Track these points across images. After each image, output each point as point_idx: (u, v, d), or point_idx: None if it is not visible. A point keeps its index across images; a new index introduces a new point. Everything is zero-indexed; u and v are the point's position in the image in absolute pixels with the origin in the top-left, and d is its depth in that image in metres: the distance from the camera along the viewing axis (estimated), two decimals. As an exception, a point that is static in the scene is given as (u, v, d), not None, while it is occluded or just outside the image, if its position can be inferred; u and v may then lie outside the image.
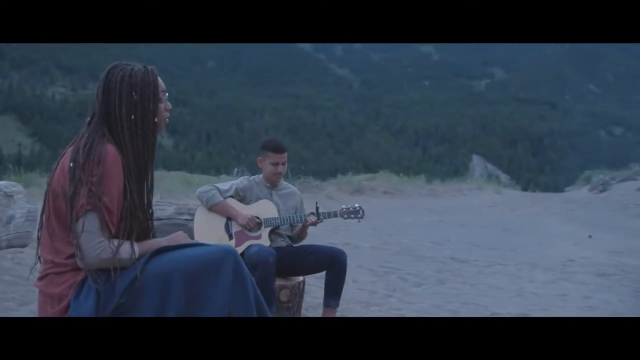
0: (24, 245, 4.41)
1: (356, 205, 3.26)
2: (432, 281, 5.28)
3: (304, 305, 3.34)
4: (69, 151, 1.80)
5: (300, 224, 3.17)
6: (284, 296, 2.93)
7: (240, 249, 3.01)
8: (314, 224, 3.12)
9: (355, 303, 4.00)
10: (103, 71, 1.86)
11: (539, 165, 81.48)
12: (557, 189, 27.34)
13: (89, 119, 1.83)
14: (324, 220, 3.14)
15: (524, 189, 23.69)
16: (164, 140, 76.55)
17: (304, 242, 3.25)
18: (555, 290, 5.25)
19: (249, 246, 2.98)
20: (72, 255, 1.71)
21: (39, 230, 1.84)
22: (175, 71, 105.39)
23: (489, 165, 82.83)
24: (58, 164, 1.81)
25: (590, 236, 9.72)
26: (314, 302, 3.85)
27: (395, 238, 7.75)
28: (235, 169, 21.51)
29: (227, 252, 1.75)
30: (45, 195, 1.82)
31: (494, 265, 6.39)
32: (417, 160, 77.94)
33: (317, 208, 3.18)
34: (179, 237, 1.91)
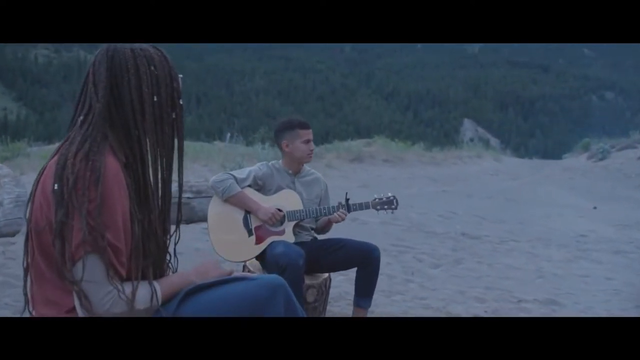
0: (14, 234, 4.06)
1: (389, 194, 2.93)
2: (448, 261, 5.08)
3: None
4: (51, 164, 1.30)
5: (327, 217, 2.83)
6: (310, 296, 2.64)
7: (261, 247, 2.70)
8: (342, 219, 2.78)
9: (377, 292, 3.76)
10: (102, 49, 1.36)
11: (529, 130, 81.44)
12: (553, 155, 27.31)
13: (81, 117, 1.32)
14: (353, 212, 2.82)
15: (516, 154, 23.59)
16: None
17: (330, 235, 2.94)
18: (575, 270, 5.09)
19: (274, 244, 2.64)
20: (75, 308, 1.27)
21: (24, 280, 1.37)
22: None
23: (480, 129, 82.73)
24: (37, 185, 1.32)
25: (595, 207, 9.62)
26: (333, 292, 3.60)
27: (403, 212, 7.48)
28: (228, 134, 21.00)
29: (276, 289, 1.39)
30: (27, 234, 1.34)
31: (507, 241, 6.22)
32: (408, 124, 77.53)
33: (347, 199, 2.81)
34: (209, 268, 1.50)
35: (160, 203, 1.42)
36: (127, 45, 1.36)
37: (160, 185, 1.42)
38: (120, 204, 1.27)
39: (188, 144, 15.07)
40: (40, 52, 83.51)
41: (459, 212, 8.11)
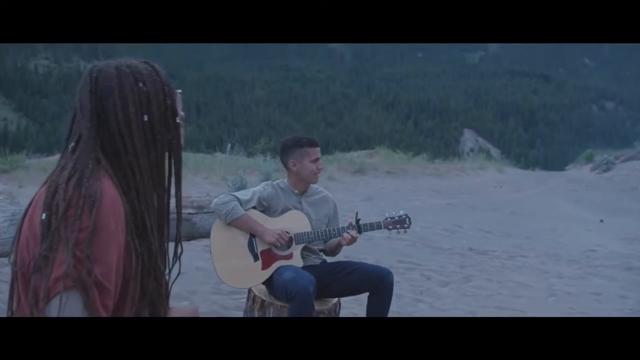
0: (8, 254, 3.92)
1: (401, 212, 2.79)
2: (457, 279, 4.94)
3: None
4: (40, 193, 1.16)
5: (336, 239, 2.67)
6: (320, 322, 2.49)
7: (268, 272, 2.55)
8: (353, 240, 2.63)
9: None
10: (86, 71, 1.23)
11: (530, 140, 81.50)
12: (554, 165, 27.23)
13: (72, 144, 1.18)
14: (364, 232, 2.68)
15: (516, 164, 23.54)
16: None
17: (337, 259, 2.79)
18: (587, 288, 4.96)
19: (281, 269, 2.50)
20: None
21: None
22: (161, 43, 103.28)
23: (480, 139, 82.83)
24: (24, 219, 1.16)
25: (602, 220, 9.48)
26: (342, 315, 3.46)
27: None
28: (229, 145, 20.92)
29: None
30: (12, 277, 1.18)
31: (516, 257, 6.09)
32: (409, 133, 77.59)
33: (357, 220, 2.67)
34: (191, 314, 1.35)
35: (158, 234, 1.22)
36: (112, 63, 1.21)
37: (157, 212, 1.22)
38: (116, 238, 1.09)
39: (189, 155, 15.00)
40: (40, 63, 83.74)
41: (465, 225, 8.00)
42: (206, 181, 10.89)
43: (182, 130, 1.27)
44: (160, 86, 1.22)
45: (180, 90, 1.28)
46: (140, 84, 1.19)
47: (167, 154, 1.23)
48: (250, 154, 16.34)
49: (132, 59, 1.24)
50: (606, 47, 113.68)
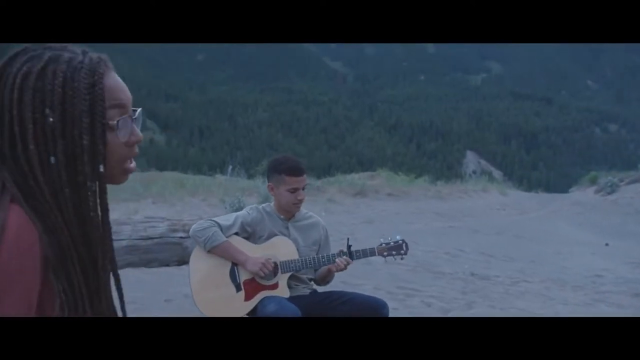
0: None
1: (397, 238, 2.62)
2: (459, 305, 4.74)
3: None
4: None
5: (327, 266, 2.49)
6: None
7: (252, 303, 2.38)
8: (344, 268, 2.45)
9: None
10: None
11: (532, 162, 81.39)
12: (556, 188, 27.04)
13: None
14: (356, 260, 2.52)
15: (519, 187, 23.40)
16: (157, 136, 75.54)
17: (331, 286, 2.63)
18: (595, 316, 4.75)
19: (265, 301, 2.33)
20: None
21: None
22: (164, 64, 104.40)
23: (482, 162, 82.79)
24: None
25: (607, 244, 9.29)
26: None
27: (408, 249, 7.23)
28: (230, 167, 20.83)
29: None
30: None
31: (519, 282, 5.89)
32: (411, 156, 77.64)
33: (348, 246, 2.50)
34: None
35: (84, 265, 0.89)
36: (28, 63, 0.87)
37: (85, 239, 0.89)
38: (22, 281, 0.81)
39: (188, 177, 14.90)
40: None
41: (467, 249, 7.81)
42: (204, 203, 10.74)
43: (123, 135, 0.92)
44: (84, 76, 0.87)
45: (140, 109, 0.99)
46: (49, 74, 0.86)
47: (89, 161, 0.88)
48: (250, 176, 16.23)
49: (56, 48, 0.90)
50: (609, 68, 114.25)
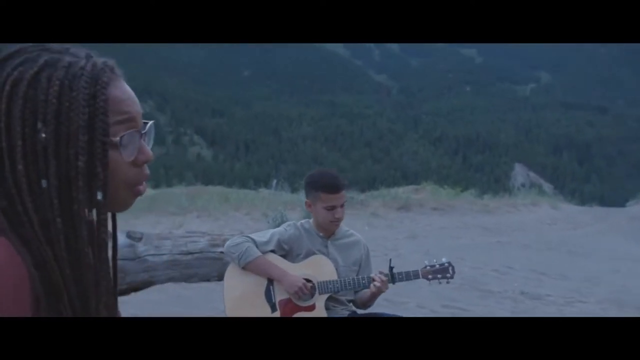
0: None
1: (443, 260, 2.47)
2: (508, 327, 4.49)
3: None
4: None
5: (368, 290, 2.33)
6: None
7: None
8: (382, 286, 2.30)
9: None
10: None
11: (585, 175, 78.40)
12: (611, 202, 25.85)
13: None
14: (398, 282, 2.38)
15: (570, 200, 22.53)
16: (204, 151, 77.26)
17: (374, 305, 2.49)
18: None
19: None
20: None
21: None
22: (211, 81, 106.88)
23: (532, 174, 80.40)
24: None
25: (670, 261, 8.73)
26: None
27: (454, 266, 7.00)
28: (274, 181, 20.97)
29: None
30: None
31: (573, 302, 5.58)
32: (457, 169, 76.24)
33: (390, 268, 2.36)
34: None
35: (75, 309, 0.76)
36: (20, 68, 0.74)
37: (73, 278, 0.75)
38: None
39: (233, 192, 15.03)
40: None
41: (516, 266, 7.49)
42: (247, 217, 10.79)
43: (129, 153, 0.79)
44: (84, 85, 0.74)
45: (151, 122, 0.85)
46: (45, 81, 0.73)
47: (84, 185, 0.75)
48: (294, 190, 16.26)
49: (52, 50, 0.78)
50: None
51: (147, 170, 0.83)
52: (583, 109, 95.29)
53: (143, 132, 0.82)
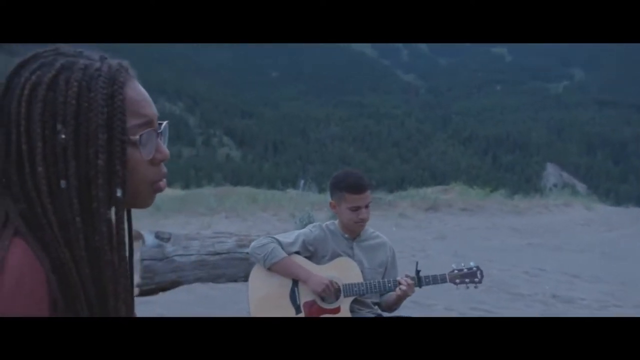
0: None
1: (471, 264, 2.42)
2: (539, 331, 4.40)
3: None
4: None
5: (394, 293, 2.30)
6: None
7: None
8: (408, 293, 2.28)
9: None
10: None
11: (621, 174, 76.27)
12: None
13: None
14: (424, 286, 2.35)
15: (605, 201, 21.96)
16: (232, 152, 78.10)
17: (401, 307, 2.46)
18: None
19: None
20: None
21: None
22: (240, 83, 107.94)
23: (564, 174, 78.70)
24: None
25: None
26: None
27: (483, 268, 6.87)
28: (302, 182, 21.04)
29: None
30: None
31: (608, 306, 5.42)
32: (486, 169, 75.17)
33: (417, 271, 2.33)
34: None
35: (92, 309, 0.76)
36: (38, 71, 0.75)
37: (91, 278, 0.75)
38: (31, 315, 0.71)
39: (261, 192, 15.15)
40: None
41: (548, 268, 7.33)
42: (274, 218, 10.84)
43: (148, 151, 0.80)
44: (101, 86, 0.76)
45: (166, 122, 0.86)
46: (62, 83, 0.74)
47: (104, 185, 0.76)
48: (322, 191, 16.28)
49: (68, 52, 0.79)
50: None
51: (164, 169, 0.84)
52: (618, 106, 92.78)
53: (159, 131, 0.84)
